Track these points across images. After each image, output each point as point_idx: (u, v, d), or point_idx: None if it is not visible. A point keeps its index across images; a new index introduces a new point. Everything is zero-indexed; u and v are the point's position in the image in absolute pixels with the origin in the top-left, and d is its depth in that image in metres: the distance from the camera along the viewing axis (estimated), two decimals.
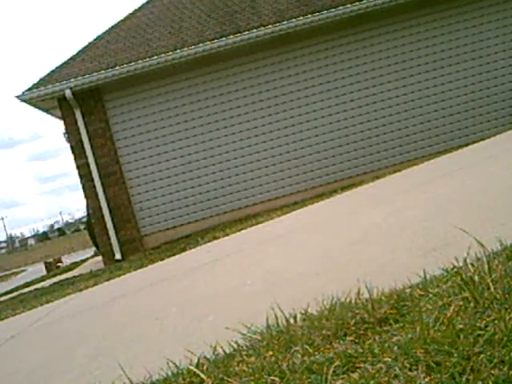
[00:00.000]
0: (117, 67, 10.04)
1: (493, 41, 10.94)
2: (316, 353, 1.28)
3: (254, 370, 1.27)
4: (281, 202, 10.13)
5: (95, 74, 10.04)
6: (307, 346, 1.32)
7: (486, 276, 1.33)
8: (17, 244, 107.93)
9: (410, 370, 1.05)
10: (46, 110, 11.06)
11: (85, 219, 24.88)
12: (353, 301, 1.56)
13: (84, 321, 3.62)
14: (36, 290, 10.96)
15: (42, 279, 16.13)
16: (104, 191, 10.18)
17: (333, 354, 1.23)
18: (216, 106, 10.49)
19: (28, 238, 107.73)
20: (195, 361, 1.49)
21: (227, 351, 1.53)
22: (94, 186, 10.14)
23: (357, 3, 10.34)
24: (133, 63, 10.07)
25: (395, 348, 1.14)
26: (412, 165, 8.60)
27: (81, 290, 6.27)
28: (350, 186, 8.87)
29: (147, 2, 12.28)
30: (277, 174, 10.52)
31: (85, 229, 29.47)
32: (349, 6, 10.33)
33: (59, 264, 23.12)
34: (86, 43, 11.25)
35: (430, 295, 1.39)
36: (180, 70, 10.32)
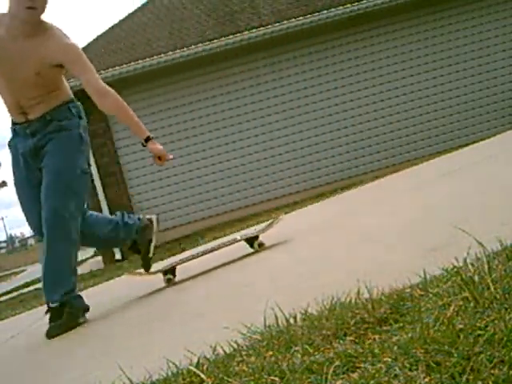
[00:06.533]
0: (117, 67, 10.05)
1: (492, 41, 10.95)
2: (316, 353, 1.28)
3: (254, 370, 1.27)
4: (281, 202, 10.14)
5: None
6: (307, 346, 1.32)
7: (486, 276, 1.33)
8: (17, 244, 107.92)
9: (410, 370, 1.05)
10: None
11: None
12: (353, 301, 1.56)
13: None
14: (36, 289, 10.95)
15: None
16: (104, 191, 10.18)
17: (333, 353, 1.23)
18: (216, 106, 10.50)
19: (28, 237, 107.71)
20: (195, 361, 1.49)
21: (227, 351, 1.53)
22: (94, 186, 10.14)
23: (357, 3, 10.34)
24: (133, 63, 10.08)
25: (395, 348, 1.14)
26: (412, 165, 8.60)
27: (80, 290, 6.25)
28: (350, 185, 8.87)
29: (147, 2, 12.29)
30: (277, 173, 10.52)
31: None
32: (349, 6, 10.34)
33: None
34: (85, 43, 11.26)
35: (430, 295, 1.39)
36: (180, 69, 10.33)
